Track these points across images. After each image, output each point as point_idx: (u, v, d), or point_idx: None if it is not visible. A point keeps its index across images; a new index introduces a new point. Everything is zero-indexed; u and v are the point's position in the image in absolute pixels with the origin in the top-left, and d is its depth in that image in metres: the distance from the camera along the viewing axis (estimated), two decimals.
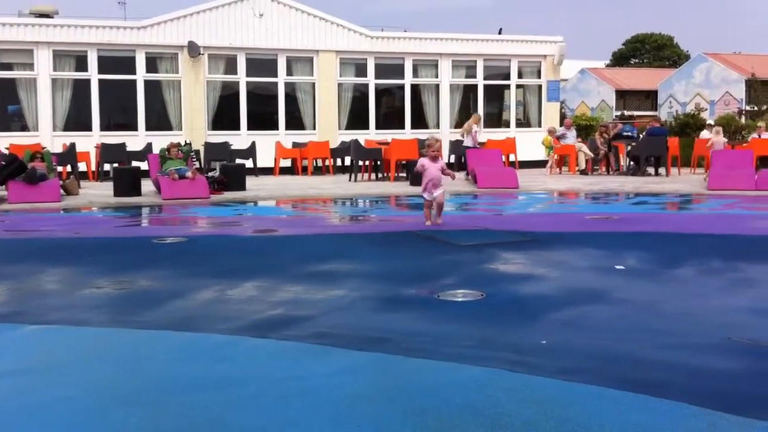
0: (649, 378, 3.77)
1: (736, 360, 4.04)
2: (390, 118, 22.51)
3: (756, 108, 37.66)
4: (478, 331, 4.67)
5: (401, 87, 22.13)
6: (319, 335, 4.57)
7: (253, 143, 19.12)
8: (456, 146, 20.91)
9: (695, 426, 3.16)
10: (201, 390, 3.66)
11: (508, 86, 23.27)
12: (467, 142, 18.69)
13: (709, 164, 16.93)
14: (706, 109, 45.83)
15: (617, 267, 6.75)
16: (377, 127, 21.62)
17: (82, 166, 17.73)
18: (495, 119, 23.66)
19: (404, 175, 17.60)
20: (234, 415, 3.33)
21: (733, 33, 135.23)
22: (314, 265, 6.90)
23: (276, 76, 20.67)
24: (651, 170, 18.94)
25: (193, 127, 19.70)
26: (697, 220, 11.14)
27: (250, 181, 15.92)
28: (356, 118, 21.63)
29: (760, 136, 20.13)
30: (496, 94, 23.71)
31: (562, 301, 5.39)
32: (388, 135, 20.29)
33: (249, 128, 20.33)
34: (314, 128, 21.11)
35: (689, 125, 25.89)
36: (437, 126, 22.20)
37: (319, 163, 20.31)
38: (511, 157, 20.71)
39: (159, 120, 20.07)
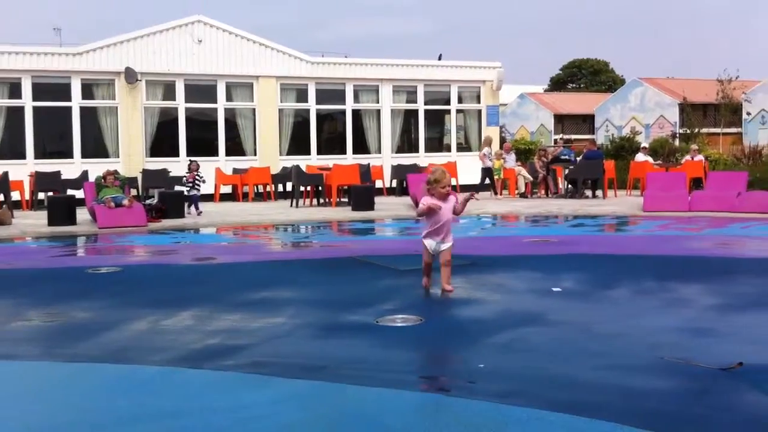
0: (584, 399, 3.81)
1: (668, 379, 4.10)
2: (331, 144, 22.53)
3: (689, 131, 38.73)
4: (416, 356, 4.68)
5: (342, 112, 22.19)
6: (256, 364, 4.51)
7: None
8: (398, 171, 21.05)
9: None
10: (134, 423, 3.58)
11: (448, 111, 23.52)
12: (487, 163, 19.66)
13: (645, 186, 17.33)
14: (641, 132, 47.00)
15: (554, 289, 6.83)
16: (319, 153, 21.61)
17: (15, 195, 17.27)
18: (436, 144, 23.87)
19: (346, 200, 17.61)
20: None
21: (666, 58, 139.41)
22: (253, 293, 6.82)
23: (215, 101, 20.54)
24: (588, 193, 19.30)
25: (131, 154, 19.41)
26: (632, 241, 11.36)
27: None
28: (297, 144, 21.59)
29: (693, 159, 20.69)
30: (436, 119, 23.93)
31: (500, 325, 5.43)
32: (330, 160, 20.32)
33: (188, 154, 20.07)
34: (255, 154, 21.00)
35: (625, 148, 26.49)
36: (379, 151, 22.28)
37: (260, 189, 20.19)
38: (453, 181, 20.86)
39: (95, 147, 19.70)
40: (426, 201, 6.62)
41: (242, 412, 3.69)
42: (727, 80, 44.75)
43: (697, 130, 38.23)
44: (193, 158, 17.55)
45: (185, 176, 16.00)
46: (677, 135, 45.00)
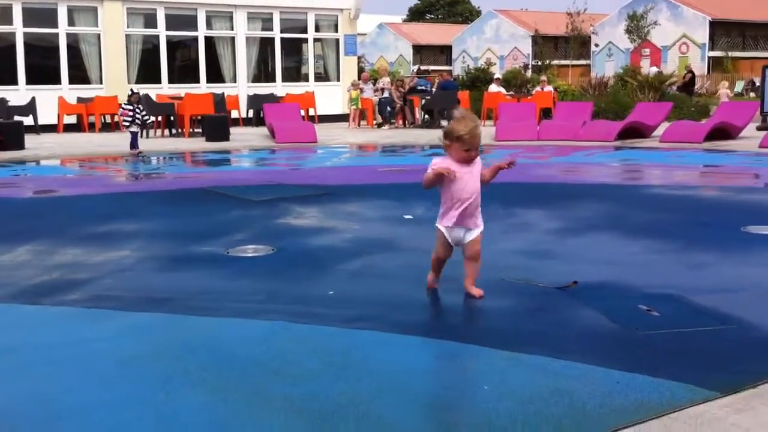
0: (428, 321, 3.92)
1: (507, 299, 4.28)
2: (184, 72, 21.75)
3: (540, 63, 39.89)
4: (266, 285, 4.65)
5: (195, 39, 21.41)
6: (97, 298, 4.36)
7: (33, 99, 17.83)
8: (254, 100, 20.64)
9: (464, 363, 3.32)
10: None
11: (305, 40, 23.16)
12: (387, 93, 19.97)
13: (497, 116, 17.81)
14: (496, 64, 48.10)
15: (406, 217, 6.94)
16: (170, 82, 20.84)
17: None
18: (294, 73, 23.52)
19: (199, 131, 17.14)
20: (3, 386, 3.13)
21: None
22: (97, 226, 6.56)
23: (56, 26, 19.31)
24: (444, 123, 19.62)
25: None
26: None
27: (30, 140, 14.88)
28: (147, 72, 20.70)
29: (543, 89, 21.41)
30: (294, 48, 23.53)
31: (351, 253, 5.47)
32: (182, 89, 19.65)
33: (28, 83, 18.93)
34: (101, 82, 20.01)
35: (479, 79, 27.02)
36: (234, 80, 21.74)
37: (108, 119, 19.32)
38: (311, 112, 20.72)
39: None
40: (435, 163, 4.34)
41: (82, 347, 3.57)
42: (576, 13, 46.18)
43: (548, 61, 39.44)
44: (135, 89, 14.94)
45: (122, 109, 13.82)
46: (530, 66, 46.33)
